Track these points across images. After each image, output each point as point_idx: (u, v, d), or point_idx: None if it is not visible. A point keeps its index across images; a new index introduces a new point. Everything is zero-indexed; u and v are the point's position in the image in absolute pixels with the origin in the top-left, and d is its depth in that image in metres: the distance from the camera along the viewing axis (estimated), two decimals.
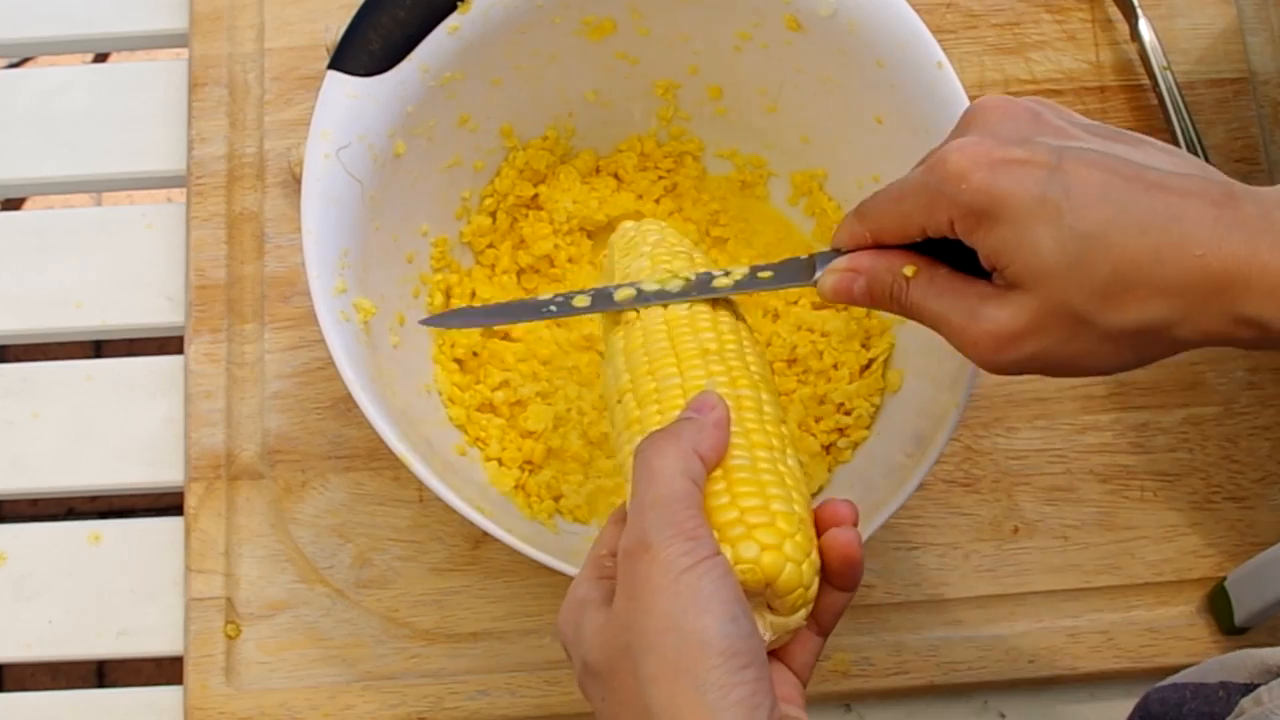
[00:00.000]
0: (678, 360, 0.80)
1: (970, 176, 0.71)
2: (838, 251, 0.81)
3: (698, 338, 0.81)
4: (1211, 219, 0.68)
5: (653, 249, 0.88)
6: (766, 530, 0.71)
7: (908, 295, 0.77)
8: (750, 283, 0.85)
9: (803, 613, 0.72)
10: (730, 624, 0.66)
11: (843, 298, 0.80)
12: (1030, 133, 0.73)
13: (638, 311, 0.84)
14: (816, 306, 1.05)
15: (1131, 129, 1.10)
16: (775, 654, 0.74)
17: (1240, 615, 1.01)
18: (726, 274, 0.85)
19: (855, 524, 0.74)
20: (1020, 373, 0.74)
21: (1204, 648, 1.03)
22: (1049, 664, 1.03)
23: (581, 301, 0.87)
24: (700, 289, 0.84)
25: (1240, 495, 1.07)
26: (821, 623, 0.75)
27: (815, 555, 0.72)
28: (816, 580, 0.72)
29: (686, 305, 0.84)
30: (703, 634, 0.65)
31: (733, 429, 0.75)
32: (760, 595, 0.71)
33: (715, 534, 0.70)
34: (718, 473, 0.73)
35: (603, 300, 0.86)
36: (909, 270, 0.77)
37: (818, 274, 0.81)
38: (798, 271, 0.83)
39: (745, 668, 0.65)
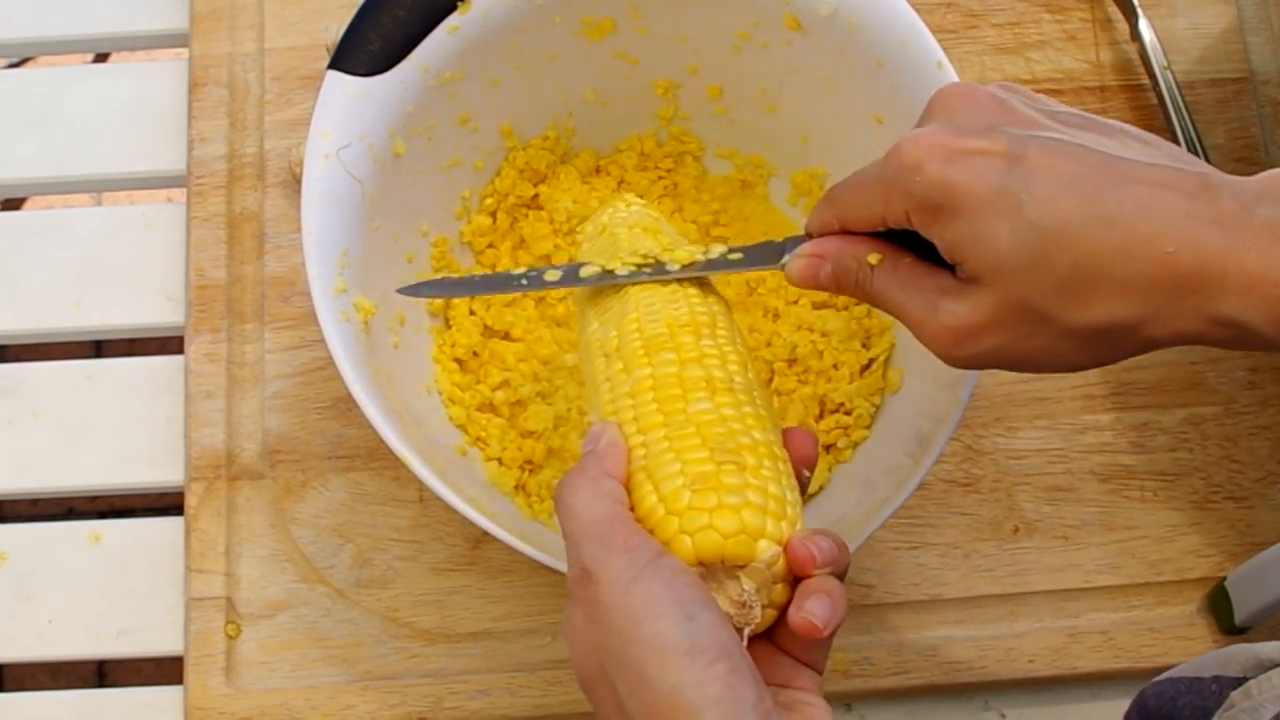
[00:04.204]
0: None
1: (925, 168, 0.70)
2: (809, 236, 0.81)
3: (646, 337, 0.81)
4: (1184, 212, 0.66)
5: (627, 229, 0.89)
6: (692, 515, 0.70)
7: (871, 283, 0.76)
8: (720, 263, 0.85)
9: (772, 552, 0.70)
10: (687, 623, 0.65)
11: (809, 283, 0.79)
12: (995, 121, 0.71)
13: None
14: (816, 306, 1.05)
15: None
16: (785, 650, 0.73)
17: (1240, 615, 1.00)
18: (705, 252, 0.86)
19: (827, 568, 0.71)
20: (981, 367, 0.74)
21: (1204, 647, 1.03)
22: (1049, 664, 1.03)
23: (553, 276, 0.88)
24: (668, 270, 0.85)
25: (1240, 495, 1.07)
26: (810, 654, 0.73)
27: (755, 495, 0.71)
28: (774, 518, 0.70)
29: (653, 290, 0.84)
30: (661, 639, 0.64)
31: (653, 413, 0.76)
32: (723, 569, 0.70)
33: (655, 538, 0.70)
34: (641, 476, 0.73)
35: (571, 277, 0.87)
36: (873, 258, 0.76)
37: (785, 258, 0.81)
38: (768, 255, 0.83)
39: (714, 663, 0.64)
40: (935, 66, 0.94)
